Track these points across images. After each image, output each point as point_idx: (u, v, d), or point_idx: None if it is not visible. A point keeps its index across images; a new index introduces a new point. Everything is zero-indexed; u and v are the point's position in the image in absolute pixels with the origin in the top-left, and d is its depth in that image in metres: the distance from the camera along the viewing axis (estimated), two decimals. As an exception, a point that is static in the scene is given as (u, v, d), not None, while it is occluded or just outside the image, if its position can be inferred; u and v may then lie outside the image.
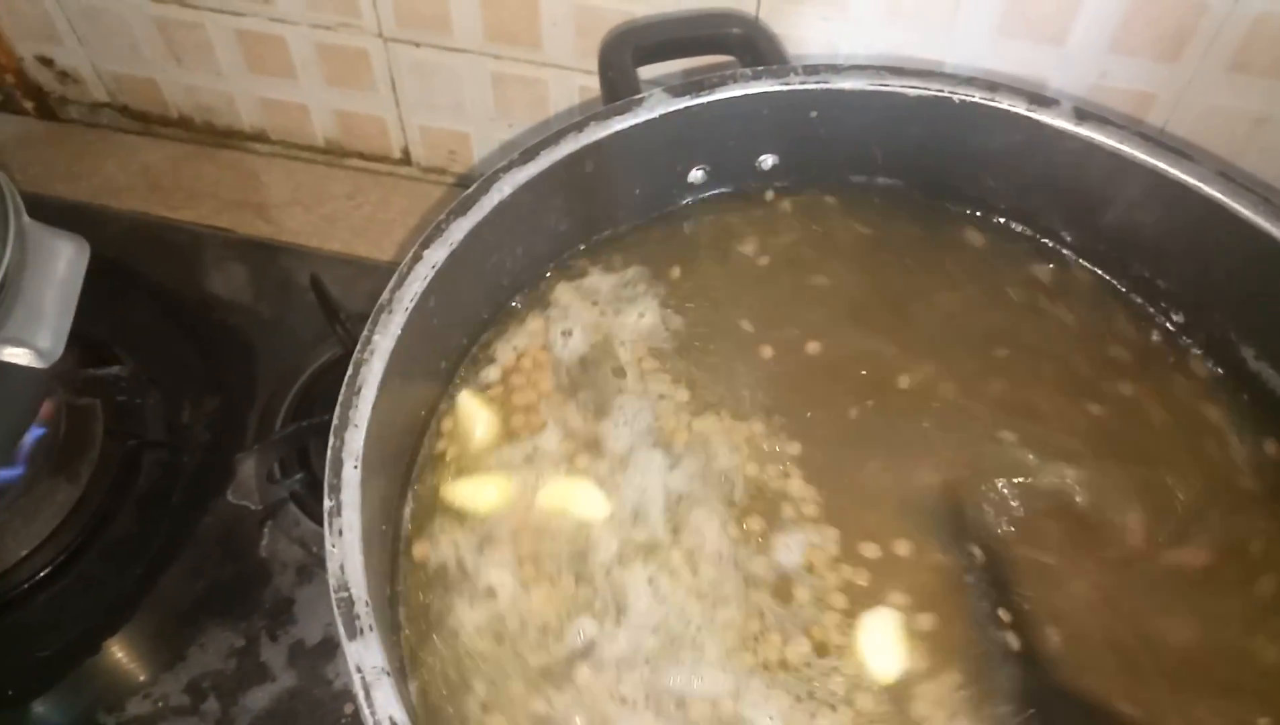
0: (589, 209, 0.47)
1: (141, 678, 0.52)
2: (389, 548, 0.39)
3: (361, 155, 0.75)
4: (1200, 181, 0.44)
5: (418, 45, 0.65)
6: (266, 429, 0.60)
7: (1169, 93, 0.55)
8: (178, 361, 0.64)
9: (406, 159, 0.74)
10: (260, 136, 0.75)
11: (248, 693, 0.52)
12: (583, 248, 0.49)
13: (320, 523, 0.56)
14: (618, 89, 0.49)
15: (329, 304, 0.60)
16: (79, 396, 0.59)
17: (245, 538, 0.57)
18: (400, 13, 0.63)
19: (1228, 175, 0.44)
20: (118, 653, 0.53)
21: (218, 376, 0.63)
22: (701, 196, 0.50)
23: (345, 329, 0.59)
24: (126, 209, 0.71)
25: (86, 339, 0.61)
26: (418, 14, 0.63)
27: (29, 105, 0.77)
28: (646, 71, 0.51)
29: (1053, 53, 0.55)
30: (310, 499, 0.57)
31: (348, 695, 0.51)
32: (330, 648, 0.53)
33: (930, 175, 0.50)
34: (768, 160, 0.50)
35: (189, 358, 0.64)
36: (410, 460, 0.43)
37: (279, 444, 0.54)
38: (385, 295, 0.38)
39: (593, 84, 0.55)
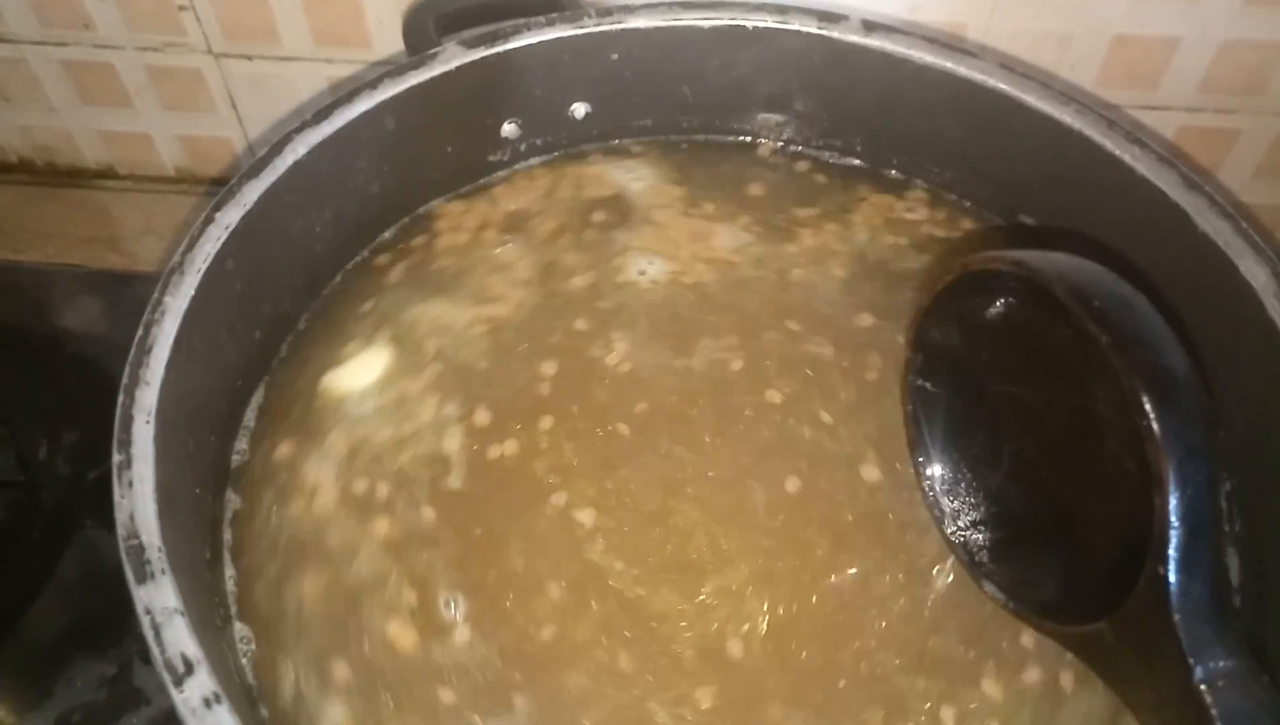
0: (398, 169, 0.47)
1: (6, 721, 0.50)
2: (206, 511, 0.38)
3: (214, 180, 0.74)
4: (985, 75, 0.46)
5: (250, 58, 0.65)
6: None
7: (978, 21, 0.57)
8: (30, 401, 0.62)
9: (259, 177, 0.73)
10: (108, 173, 0.74)
11: (121, 719, 0.50)
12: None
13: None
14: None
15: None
16: (-75, 447, 0.57)
17: (112, 566, 0.55)
18: (226, 26, 0.63)
19: (1009, 67, 0.46)
20: (-22, 699, 0.51)
21: (76, 410, 0.62)
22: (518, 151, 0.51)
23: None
24: (-32, 257, 0.70)
25: (-69, 390, 0.59)
26: (243, 26, 0.63)
27: None
28: (458, 42, 0.52)
29: (858, -12, 0.57)
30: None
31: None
32: (203, 661, 0.51)
33: (739, 106, 0.51)
34: (580, 109, 0.50)
35: (43, 395, 0.62)
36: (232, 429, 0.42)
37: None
38: (175, 257, 0.38)
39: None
